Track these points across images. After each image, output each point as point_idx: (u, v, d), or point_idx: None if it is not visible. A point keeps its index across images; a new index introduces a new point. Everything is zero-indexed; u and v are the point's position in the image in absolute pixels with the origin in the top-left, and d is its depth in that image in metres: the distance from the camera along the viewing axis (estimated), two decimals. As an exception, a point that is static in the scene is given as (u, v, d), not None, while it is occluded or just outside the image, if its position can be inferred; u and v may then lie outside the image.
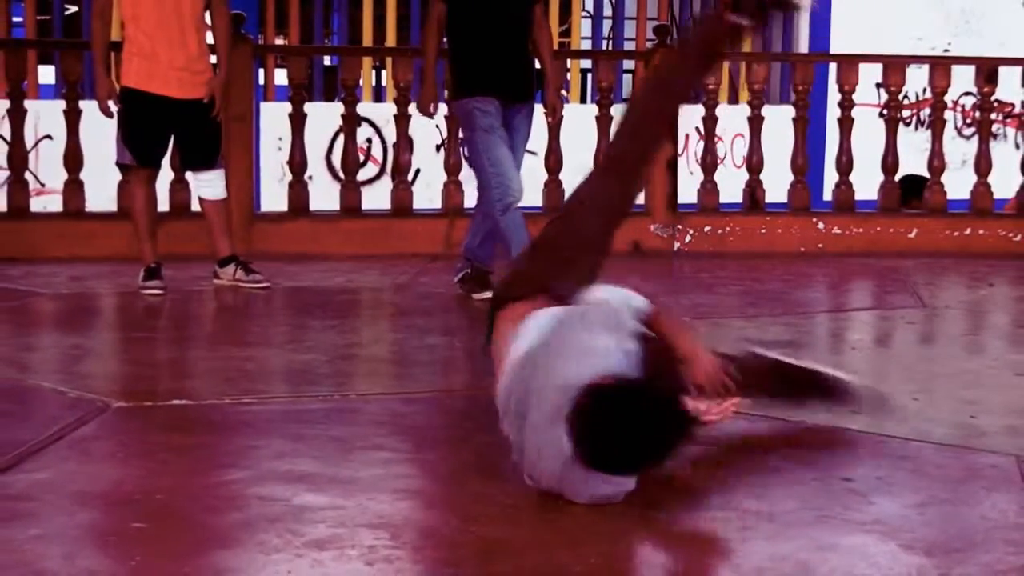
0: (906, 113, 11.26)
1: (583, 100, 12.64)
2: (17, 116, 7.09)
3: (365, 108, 9.33)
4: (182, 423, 3.59)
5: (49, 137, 8.92)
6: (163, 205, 6.45)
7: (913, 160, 8.34)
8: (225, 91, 5.88)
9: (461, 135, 6.01)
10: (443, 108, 6.63)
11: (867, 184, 7.77)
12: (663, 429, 2.70)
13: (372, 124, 10.52)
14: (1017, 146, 10.86)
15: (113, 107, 5.78)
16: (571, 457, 2.73)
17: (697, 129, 8.71)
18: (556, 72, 6.42)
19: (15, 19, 10.94)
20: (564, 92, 8.81)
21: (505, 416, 3.00)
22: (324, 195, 7.88)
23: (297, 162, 7.34)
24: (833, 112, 8.09)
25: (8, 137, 7.28)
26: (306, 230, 7.23)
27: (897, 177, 7.98)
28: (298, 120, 7.32)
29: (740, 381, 3.05)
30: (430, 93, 5.79)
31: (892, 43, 10.16)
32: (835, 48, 11.55)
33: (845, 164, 7.71)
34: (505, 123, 5.61)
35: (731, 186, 7.93)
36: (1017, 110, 10.53)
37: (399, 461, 3.14)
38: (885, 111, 7.98)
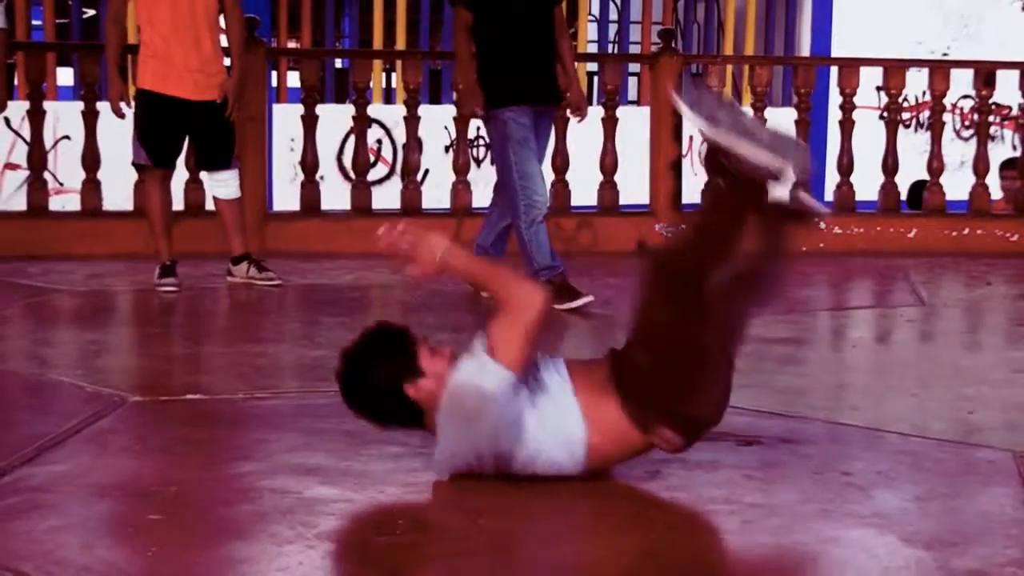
0: (906, 116, 11.24)
1: (589, 102, 12.61)
2: (36, 117, 7.10)
3: (375, 110, 9.33)
4: (197, 417, 3.59)
5: (67, 138, 8.93)
6: (178, 204, 6.46)
7: (912, 162, 8.33)
8: (238, 93, 5.88)
9: (488, 138, 5.91)
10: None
11: (867, 185, 7.76)
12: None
13: (382, 125, 10.53)
14: (1014, 148, 10.82)
15: (125, 109, 5.79)
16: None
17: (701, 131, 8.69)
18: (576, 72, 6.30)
19: (34, 22, 10.95)
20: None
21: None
22: (335, 195, 7.89)
23: (309, 162, 7.34)
24: (834, 114, 8.08)
25: (28, 137, 7.30)
26: (318, 229, 7.24)
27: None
28: (310, 121, 7.32)
29: None
30: (476, 95, 5.58)
31: (892, 47, 10.13)
32: (836, 52, 11.53)
33: (846, 165, 7.70)
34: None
35: (734, 186, 7.91)
36: (1014, 113, 10.50)
37: (408, 455, 3.14)
38: (885, 113, 7.97)
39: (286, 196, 8.51)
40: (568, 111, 6.05)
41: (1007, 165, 8.44)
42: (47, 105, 7.28)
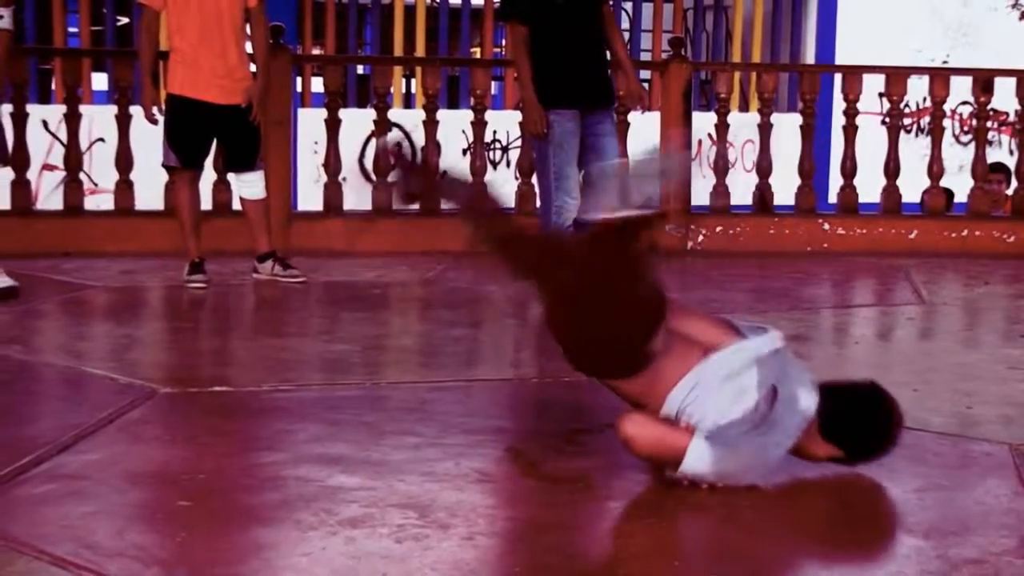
0: (907, 121, 11.21)
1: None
2: (73, 120, 7.13)
3: (396, 114, 9.34)
4: (224, 408, 3.60)
5: (102, 140, 8.96)
6: (206, 204, 6.48)
7: (913, 166, 8.30)
8: (263, 97, 5.89)
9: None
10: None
11: (870, 187, 7.74)
12: None
13: (402, 129, 10.53)
14: (1011, 152, 10.78)
15: (157, 114, 5.80)
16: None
17: (710, 135, 8.68)
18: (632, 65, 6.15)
19: (71, 29, 11.00)
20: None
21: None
22: (357, 195, 7.89)
23: (332, 164, 7.35)
24: (838, 120, 8.05)
25: (64, 140, 7.33)
26: (340, 228, 7.25)
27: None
28: (333, 125, 7.33)
29: None
30: (538, 112, 5.40)
31: (894, 55, 10.10)
32: (840, 59, 11.50)
33: (849, 168, 7.68)
34: (592, 132, 5.47)
35: (741, 189, 7.91)
36: (1011, 118, 10.45)
37: (426, 445, 3.14)
38: (887, 119, 7.93)
39: (310, 196, 8.52)
40: (627, 103, 6.03)
41: (992, 169, 8.38)
42: (83, 109, 7.30)
